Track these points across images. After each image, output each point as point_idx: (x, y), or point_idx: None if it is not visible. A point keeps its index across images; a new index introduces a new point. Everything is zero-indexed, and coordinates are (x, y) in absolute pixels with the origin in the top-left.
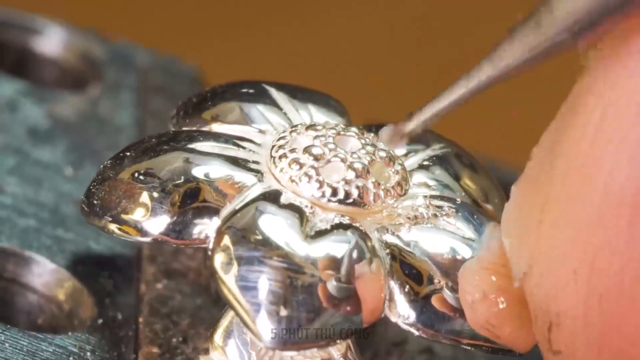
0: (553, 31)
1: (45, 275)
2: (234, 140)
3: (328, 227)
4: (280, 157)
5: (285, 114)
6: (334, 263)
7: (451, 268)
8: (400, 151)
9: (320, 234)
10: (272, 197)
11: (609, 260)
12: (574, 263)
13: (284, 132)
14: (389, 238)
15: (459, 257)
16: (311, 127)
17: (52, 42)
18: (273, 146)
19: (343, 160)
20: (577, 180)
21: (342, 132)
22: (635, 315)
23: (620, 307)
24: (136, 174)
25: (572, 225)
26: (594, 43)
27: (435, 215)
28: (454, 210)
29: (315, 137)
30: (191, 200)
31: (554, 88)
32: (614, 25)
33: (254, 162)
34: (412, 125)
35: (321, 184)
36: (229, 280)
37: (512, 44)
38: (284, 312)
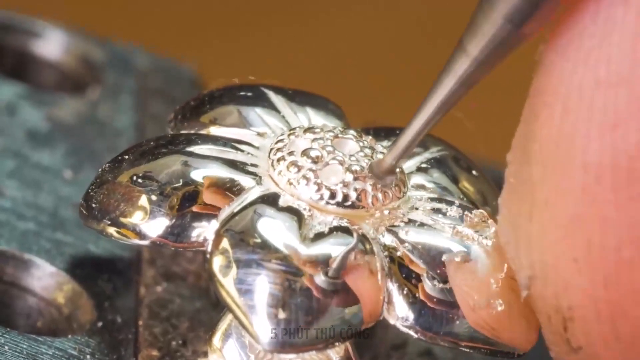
0: (498, 23)
1: (44, 278)
2: (232, 144)
3: (326, 229)
4: (278, 160)
5: (283, 117)
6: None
7: None
8: None
9: (319, 236)
10: (270, 199)
11: (604, 234)
12: (572, 250)
13: (282, 135)
14: (387, 240)
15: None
16: (309, 130)
17: (51, 45)
18: (271, 149)
19: (341, 163)
20: (555, 162)
21: (340, 135)
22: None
23: (625, 292)
24: (134, 177)
25: (561, 210)
26: (540, 35)
27: (433, 218)
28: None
29: (314, 140)
30: (189, 203)
31: None
32: (550, 13)
33: (252, 165)
34: (391, 160)
35: (319, 186)
36: (228, 283)
37: (462, 51)
38: (282, 315)
